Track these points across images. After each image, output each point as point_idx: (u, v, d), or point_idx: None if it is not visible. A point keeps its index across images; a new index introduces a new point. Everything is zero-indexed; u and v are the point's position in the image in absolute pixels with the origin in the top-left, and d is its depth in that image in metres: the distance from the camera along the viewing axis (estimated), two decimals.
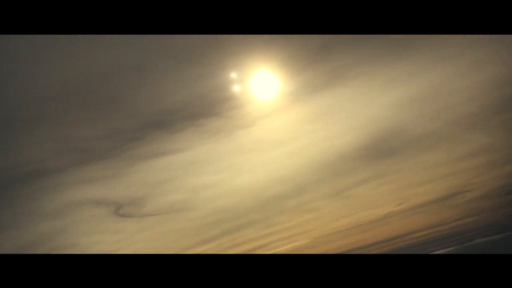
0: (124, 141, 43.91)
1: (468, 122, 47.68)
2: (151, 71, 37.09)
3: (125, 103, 40.49)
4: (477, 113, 46.66)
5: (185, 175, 52.07)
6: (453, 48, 39.69)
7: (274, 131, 47.78)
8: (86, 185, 47.06)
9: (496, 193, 57.15)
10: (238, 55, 36.25)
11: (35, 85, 34.26)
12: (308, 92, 42.77)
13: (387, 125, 48.23)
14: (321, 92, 43.21)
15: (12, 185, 43.18)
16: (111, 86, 38.09)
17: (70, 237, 51.20)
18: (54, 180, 44.81)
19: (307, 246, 62.23)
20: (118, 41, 32.19)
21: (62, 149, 42.27)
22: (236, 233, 61.14)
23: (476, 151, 51.49)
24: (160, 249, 56.28)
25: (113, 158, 45.18)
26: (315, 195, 58.71)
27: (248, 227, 61.13)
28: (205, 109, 42.85)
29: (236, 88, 39.27)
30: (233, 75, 37.76)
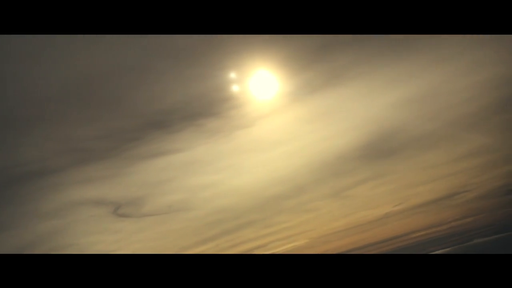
0: (123, 141, 43.93)
1: (468, 122, 47.76)
2: (150, 71, 37.10)
3: (124, 103, 40.52)
4: (476, 113, 46.72)
5: (184, 175, 52.11)
6: (453, 48, 39.74)
7: (274, 131, 47.82)
8: (85, 185, 47.09)
9: (495, 193, 57.25)
10: (237, 55, 36.26)
11: (35, 85, 34.25)
12: (308, 92, 42.79)
13: (387, 125, 48.29)
14: (320, 92, 43.23)
15: (11, 185, 43.20)
16: (111, 86, 38.10)
17: (69, 237, 51.25)
18: (53, 180, 44.84)
19: (306, 246, 62.31)
20: (117, 41, 32.19)
21: (61, 149, 42.28)
22: (235, 233, 61.21)
23: (475, 151, 51.58)
24: (159, 249, 56.34)
25: (112, 158, 45.20)
26: (314, 195, 58.79)
27: (247, 227, 61.20)
28: (204, 109, 42.87)
29: (235, 88, 39.30)
30: (232, 75, 37.78)
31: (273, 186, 56.02)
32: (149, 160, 46.91)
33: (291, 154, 51.86)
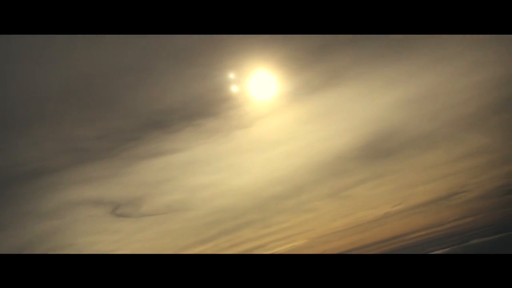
0: (122, 141, 43.89)
1: (467, 122, 47.76)
2: (149, 71, 37.09)
3: (123, 103, 40.50)
4: (476, 113, 46.72)
5: (183, 175, 52.06)
6: (452, 48, 39.74)
7: (272, 131, 47.79)
8: (84, 185, 47.05)
9: (494, 194, 57.22)
10: (236, 55, 36.27)
11: (34, 85, 34.23)
12: (307, 92, 42.78)
13: (386, 125, 48.27)
14: (319, 93, 43.22)
15: (10, 184, 43.16)
16: (109, 86, 38.09)
17: (68, 237, 51.20)
18: (52, 180, 44.79)
19: (305, 246, 62.26)
20: (116, 41, 32.18)
21: (60, 149, 42.25)
22: (234, 233, 61.14)
23: (474, 152, 51.55)
24: (158, 249, 56.29)
25: (110, 158, 45.17)
26: (313, 195, 58.74)
27: (246, 227, 61.12)
28: (203, 109, 42.84)
29: (234, 89, 39.32)
30: (231, 75, 37.80)
31: (272, 186, 56.01)
32: (148, 160, 46.91)
33: (290, 154, 51.87)
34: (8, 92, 34.02)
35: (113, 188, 49.43)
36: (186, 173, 51.77)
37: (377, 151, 53.78)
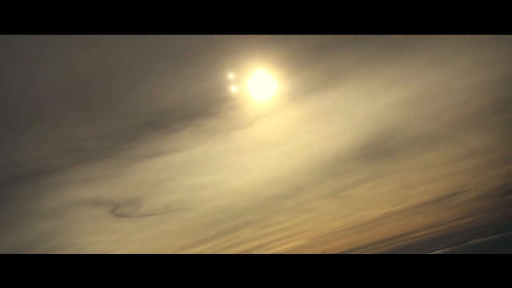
0: (121, 141, 43.89)
1: (467, 122, 47.77)
2: (148, 71, 37.11)
3: (122, 103, 40.51)
4: (475, 113, 46.73)
5: (182, 175, 52.04)
6: (452, 48, 39.76)
7: (272, 131, 47.81)
8: (83, 185, 47.05)
9: (494, 194, 57.22)
10: (236, 55, 36.29)
11: (33, 85, 34.23)
12: (306, 92, 42.81)
13: (385, 125, 48.29)
14: (319, 93, 43.23)
15: (9, 184, 43.15)
16: (109, 86, 38.10)
17: (67, 237, 51.17)
18: (51, 180, 44.79)
19: (305, 246, 62.24)
20: (116, 41, 32.19)
21: (60, 149, 42.24)
22: (233, 233, 61.11)
23: (474, 152, 51.56)
24: (157, 249, 56.25)
25: (110, 158, 45.16)
26: (312, 195, 58.72)
27: (245, 227, 61.10)
28: (202, 109, 42.85)
29: (233, 89, 39.35)
30: (231, 75, 37.83)
31: (271, 186, 56.01)
32: (147, 160, 46.90)
33: (290, 154, 51.87)
34: (7, 92, 34.03)
35: (113, 188, 49.45)
36: (185, 173, 51.79)
37: (377, 151, 53.81)
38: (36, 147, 40.80)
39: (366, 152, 53.51)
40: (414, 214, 62.61)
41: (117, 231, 54.44)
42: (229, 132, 45.75)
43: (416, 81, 43.41)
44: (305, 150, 51.27)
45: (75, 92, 36.66)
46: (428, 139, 50.58)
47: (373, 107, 44.65)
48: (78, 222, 50.29)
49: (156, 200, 54.11)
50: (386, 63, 41.16)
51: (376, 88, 43.37)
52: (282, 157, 52.00)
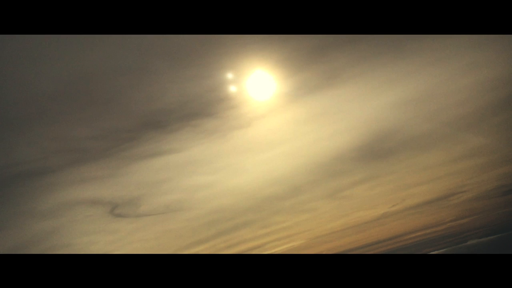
0: (120, 141, 43.82)
1: (465, 122, 47.86)
2: (147, 71, 37.06)
3: (121, 103, 40.44)
4: (473, 114, 46.82)
5: (181, 175, 52.00)
6: (451, 49, 39.78)
7: (270, 131, 47.81)
8: (81, 185, 46.97)
9: (491, 194, 57.41)
10: (234, 55, 36.27)
11: (31, 84, 34.18)
12: (304, 92, 42.78)
13: (383, 126, 48.35)
14: (317, 93, 43.21)
15: (7, 184, 43.06)
16: (107, 86, 38.04)
17: (66, 237, 51.13)
18: (49, 180, 44.70)
19: (303, 247, 62.39)
20: (114, 41, 32.14)
21: (58, 149, 42.16)
22: (232, 233, 61.18)
23: (471, 152, 51.69)
24: (156, 249, 56.33)
25: (108, 158, 45.08)
26: (311, 196, 58.81)
27: (244, 228, 61.17)
28: (201, 110, 42.80)
29: (232, 89, 39.33)
30: (229, 75, 37.81)
31: (270, 186, 56.07)
32: (145, 160, 46.84)
33: (288, 155, 51.91)
34: (6, 91, 33.98)
35: (111, 188, 49.38)
36: (184, 173, 51.75)
37: (375, 152, 53.87)
38: (34, 147, 40.75)
39: (364, 153, 53.61)
40: (413, 214, 62.81)
41: (116, 231, 54.45)
42: (228, 132, 45.76)
43: (415, 81, 43.47)
44: (304, 150, 51.35)
45: (74, 92, 36.63)
46: (427, 139, 50.71)
47: (371, 107, 44.69)
48: (76, 222, 50.27)
49: (155, 200, 54.12)
50: (385, 63, 41.19)
51: (375, 88, 43.41)
52: (280, 157, 52.07)
